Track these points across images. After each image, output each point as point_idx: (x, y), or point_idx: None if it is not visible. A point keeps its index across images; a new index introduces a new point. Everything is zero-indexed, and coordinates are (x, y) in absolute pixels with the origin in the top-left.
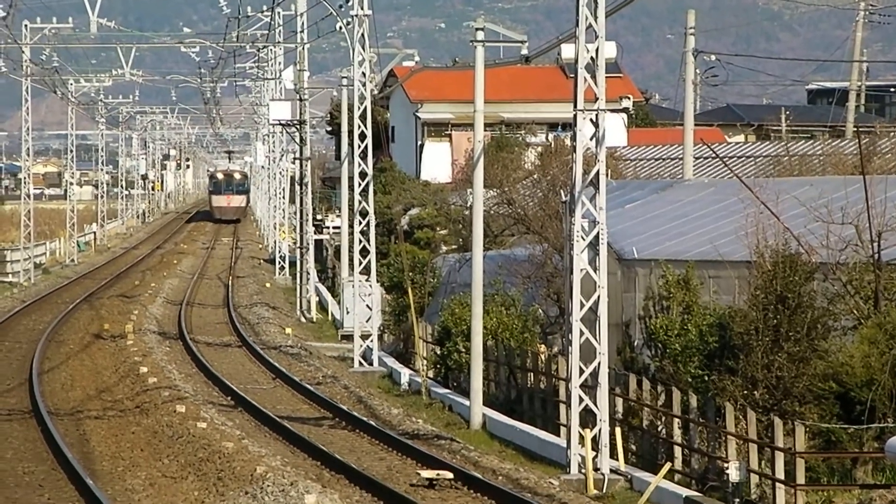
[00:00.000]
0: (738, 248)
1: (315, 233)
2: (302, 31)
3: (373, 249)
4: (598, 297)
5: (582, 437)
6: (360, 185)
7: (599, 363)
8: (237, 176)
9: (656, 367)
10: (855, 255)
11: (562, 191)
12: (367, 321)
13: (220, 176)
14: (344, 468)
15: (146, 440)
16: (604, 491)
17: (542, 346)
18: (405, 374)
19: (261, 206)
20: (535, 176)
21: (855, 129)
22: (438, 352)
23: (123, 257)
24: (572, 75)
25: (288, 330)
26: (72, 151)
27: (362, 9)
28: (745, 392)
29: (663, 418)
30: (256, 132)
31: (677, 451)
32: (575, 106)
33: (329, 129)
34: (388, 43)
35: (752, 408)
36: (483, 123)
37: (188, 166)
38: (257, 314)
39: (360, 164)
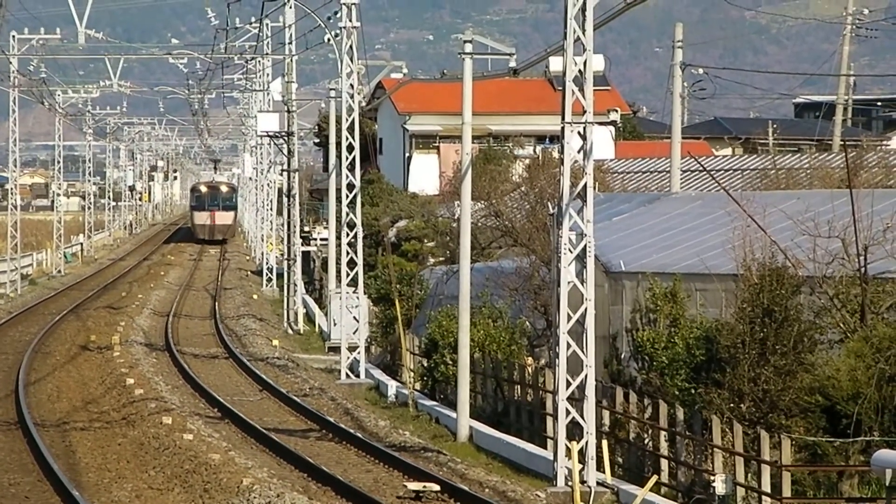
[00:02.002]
0: (725, 261)
1: (302, 244)
2: (290, 43)
3: (360, 261)
4: (586, 309)
5: (569, 450)
6: (347, 196)
7: (586, 376)
8: (223, 189)
9: (643, 380)
10: (841, 268)
11: (549, 203)
12: (354, 333)
13: (203, 189)
14: (331, 480)
15: (132, 452)
16: (590, 503)
17: (530, 358)
18: (392, 386)
19: (248, 218)
20: (523, 188)
21: (842, 142)
22: (425, 364)
23: (110, 268)
24: (560, 88)
25: (275, 342)
26: (59, 162)
27: (350, 21)
28: (732, 405)
29: (650, 431)
30: (244, 143)
31: (664, 463)
32: (563, 118)
33: (317, 140)
34: (376, 55)
35: (738, 421)
36: (471, 135)
37: (176, 178)
38: (244, 326)
39: (347, 176)
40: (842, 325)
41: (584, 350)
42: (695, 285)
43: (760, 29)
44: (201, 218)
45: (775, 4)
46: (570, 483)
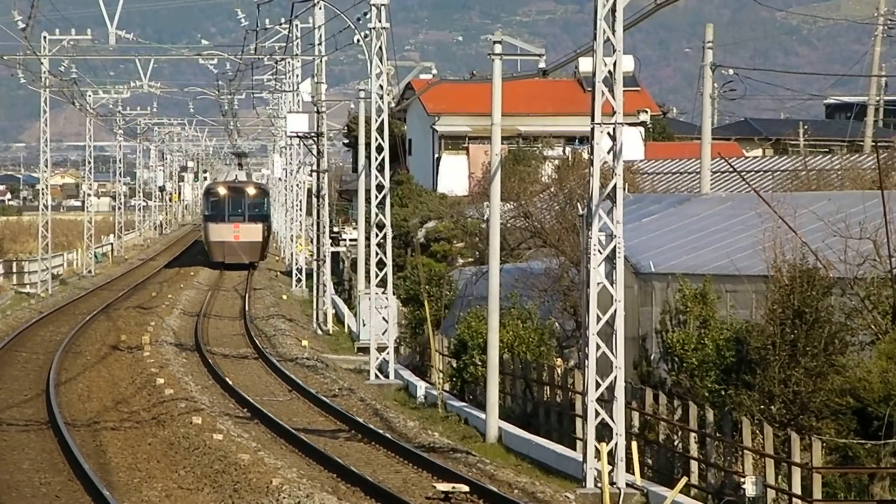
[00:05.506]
0: (756, 263)
1: (332, 245)
2: (320, 44)
3: (389, 262)
4: (615, 310)
5: (598, 451)
6: (377, 197)
7: (616, 377)
8: (250, 191)
9: (673, 382)
10: (873, 269)
11: (579, 204)
12: (383, 334)
13: (221, 191)
14: (360, 481)
15: (162, 452)
16: None
17: (559, 359)
18: (421, 386)
19: (278, 219)
20: (552, 189)
21: (873, 143)
22: (454, 365)
23: (140, 269)
24: (590, 89)
25: (304, 342)
26: (90, 163)
27: (380, 22)
28: (762, 407)
29: (680, 433)
30: (274, 144)
31: (694, 465)
32: (592, 119)
33: (346, 141)
34: (405, 56)
35: (768, 423)
36: (500, 136)
37: (205, 178)
38: (274, 326)
39: (377, 177)
40: (873, 326)
41: (614, 351)
42: (725, 287)
43: (791, 30)
44: (220, 232)
45: (806, 5)
46: (599, 484)
